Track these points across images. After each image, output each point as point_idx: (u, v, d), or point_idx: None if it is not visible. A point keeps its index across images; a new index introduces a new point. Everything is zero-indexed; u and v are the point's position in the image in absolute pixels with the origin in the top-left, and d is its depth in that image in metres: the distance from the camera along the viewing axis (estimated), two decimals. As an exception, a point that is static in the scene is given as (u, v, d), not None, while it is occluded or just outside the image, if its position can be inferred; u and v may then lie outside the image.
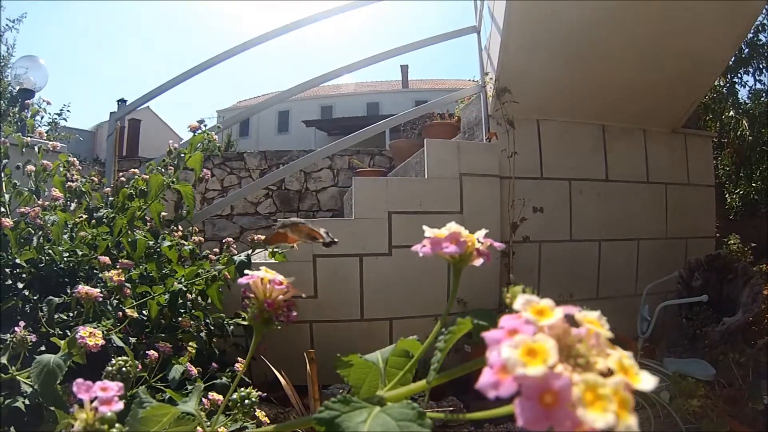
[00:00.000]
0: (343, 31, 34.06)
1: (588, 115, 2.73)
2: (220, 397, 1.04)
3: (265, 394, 0.94)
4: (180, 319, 1.37)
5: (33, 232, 1.30)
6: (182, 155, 1.51)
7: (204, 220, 4.27)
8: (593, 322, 0.23)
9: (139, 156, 7.21)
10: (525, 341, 0.21)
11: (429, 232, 0.35)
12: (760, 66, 4.81)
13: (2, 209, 1.32)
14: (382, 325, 2.31)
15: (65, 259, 1.30)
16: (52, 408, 0.76)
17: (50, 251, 1.28)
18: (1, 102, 6.53)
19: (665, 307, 2.24)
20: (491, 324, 0.30)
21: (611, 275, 2.71)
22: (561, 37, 2.40)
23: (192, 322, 1.38)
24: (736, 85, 4.87)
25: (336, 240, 0.70)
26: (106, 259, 1.26)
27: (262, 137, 18.98)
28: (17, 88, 3.84)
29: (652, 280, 2.48)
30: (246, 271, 0.42)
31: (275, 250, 1.54)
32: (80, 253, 1.33)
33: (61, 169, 1.51)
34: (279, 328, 0.42)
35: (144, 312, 1.34)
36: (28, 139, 1.50)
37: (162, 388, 1.12)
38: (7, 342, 0.81)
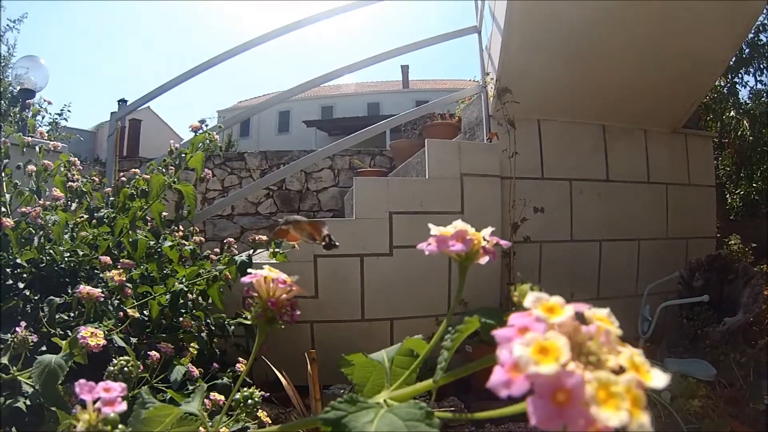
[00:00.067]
0: (344, 31, 34.13)
1: (588, 115, 2.73)
2: (222, 397, 1.03)
3: (267, 394, 0.93)
4: (181, 319, 1.37)
5: (34, 232, 1.30)
6: (183, 155, 1.51)
7: (205, 221, 4.27)
8: (603, 319, 0.23)
9: (139, 156, 7.22)
10: (537, 339, 0.21)
11: (435, 230, 0.35)
12: (761, 66, 4.81)
13: (3, 209, 1.32)
14: (383, 326, 2.31)
15: (66, 259, 1.30)
16: (53, 408, 0.75)
17: (51, 251, 1.28)
18: (2, 102, 6.53)
19: (666, 307, 2.24)
20: (498, 323, 0.30)
21: (612, 275, 2.70)
22: (562, 37, 2.40)
23: (193, 323, 1.38)
24: (737, 85, 4.87)
25: (337, 243, 0.70)
26: (107, 259, 1.25)
27: (263, 137, 18.98)
28: (18, 88, 3.84)
29: (653, 281, 2.48)
30: (249, 270, 0.42)
31: (276, 250, 1.54)
32: (81, 253, 1.33)
33: (62, 169, 1.51)
34: (283, 327, 0.42)
35: (145, 312, 1.34)
36: (29, 139, 1.50)
37: (163, 388, 1.11)
38: (8, 342, 0.80)
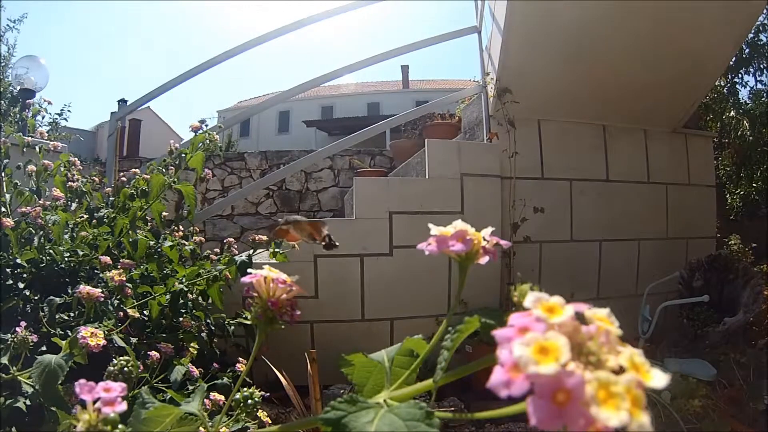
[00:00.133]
0: (344, 30, 34.12)
1: (589, 115, 2.73)
2: (222, 397, 1.03)
3: (267, 394, 0.93)
4: (181, 319, 1.37)
5: (34, 232, 1.30)
6: (183, 155, 1.51)
7: (205, 221, 4.27)
8: (603, 319, 0.23)
9: (139, 156, 7.22)
10: (537, 339, 0.21)
11: (435, 230, 0.35)
12: (761, 66, 4.81)
13: (3, 209, 1.32)
14: (383, 326, 2.31)
15: (66, 259, 1.30)
16: (53, 408, 0.75)
17: (51, 251, 1.28)
18: (2, 102, 6.54)
19: (666, 307, 2.24)
20: (498, 323, 0.30)
21: (612, 275, 2.70)
22: (562, 37, 2.40)
23: (193, 323, 1.38)
24: (737, 85, 4.87)
25: (337, 244, 0.70)
26: (107, 259, 1.25)
27: (263, 137, 18.97)
28: (18, 88, 3.84)
29: (653, 281, 2.48)
30: (249, 270, 0.42)
31: (276, 250, 1.54)
32: (81, 253, 1.33)
33: (62, 169, 1.51)
34: (283, 327, 0.42)
35: (145, 312, 1.34)
36: (29, 139, 1.50)
37: (163, 388, 1.11)
38: (8, 342, 0.80)
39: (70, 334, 0.86)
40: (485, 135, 2.61)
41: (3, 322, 1.02)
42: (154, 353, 1.08)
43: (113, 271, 1.14)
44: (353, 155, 4.96)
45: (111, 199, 1.64)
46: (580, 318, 0.23)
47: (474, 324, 0.31)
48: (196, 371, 1.19)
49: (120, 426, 0.34)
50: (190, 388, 1.16)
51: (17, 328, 0.81)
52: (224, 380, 1.31)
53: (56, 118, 8.42)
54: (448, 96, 3.08)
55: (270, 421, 0.96)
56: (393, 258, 2.30)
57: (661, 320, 2.28)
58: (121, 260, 1.31)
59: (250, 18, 40.00)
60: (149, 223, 1.61)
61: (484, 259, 0.35)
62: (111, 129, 2.53)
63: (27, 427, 0.84)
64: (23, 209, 1.32)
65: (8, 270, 1.22)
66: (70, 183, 1.51)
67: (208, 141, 1.49)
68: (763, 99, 4.83)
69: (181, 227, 1.80)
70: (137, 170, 1.65)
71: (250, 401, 0.70)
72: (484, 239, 0.35)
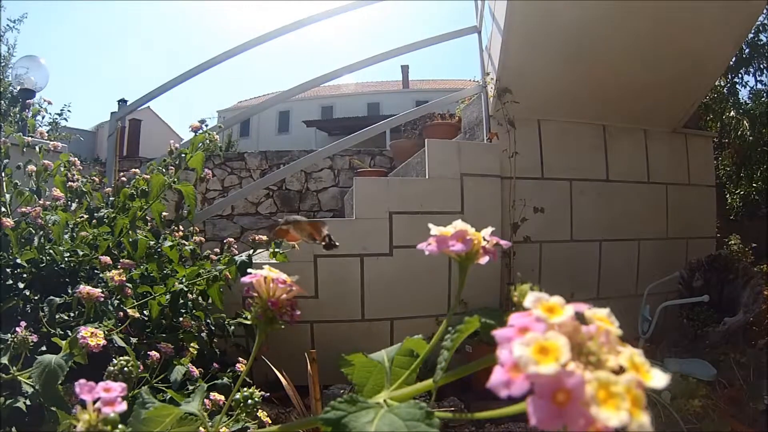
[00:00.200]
0: (344, 30, 34.13)
1: (589, 115, 2.73)
2: (222, 397, 1.03)
3: (267, 394, 0.93)
4: (181, 319, 1.37)
5: (34, 232, 1.30)
6: (183, 155, 1.51)
7: (204, 221, 4.27)
8: (603, 319, 0.23)
9: (139, 156, 7.22)
10: (537, 339, 0.21)
11: (435, 230, 0.35)
12: (761, 66, 4.81)
13: (3, 209, 1.32)
14: (383, 326, 2.31)
15: (66, 259, 1.30)
16: (53, 408, 0.75)
17: (51, 251, 1.28)
18: (2, 102, 6.54)
19: (666, 307, 2.24)
20: (498, 323, 0.30)
21: (612, 275, 2.70)
22: (562, 37, 2.40)
23: (193, 323, 1.38)
24: (737, 86, 4.87)
25: (337, 244, 0.70)
26: (107, 259, 1.25)
27: (263, 137, 18.97)
28: (18, 88, 3.84)
29: (653, 281, 2.48)
30: (249, 270, 0.42)
31: (276, 250, 1.54)
32: (81, 253, 1.33)
33: (62, 169, 1.51)
34: (283, 327, 0.42)
35: (145, 312, 1.34)
36: (29, 139, 1.50)
37: (163, 388, 1.11)
38: (8, 342, 0.80)
39: (70, 334, 0.86)
40: (485, 135, 2.61)
41: (3, 322, 1.02)
42: (154, 353, 1.08)
43: (113, 271, 1.14)
44: (353, 155, 4.96)
45: (111, 199, 1.64)
46: (580, 318, 0.23)
47: (474, 324, 0.31)
48: (196, 371, 1.19)
49: (120, 426, 0.34)
50: (190, 388, 1.16)
51: (17, 328, 0.81)
52: (224, 380, 1.31)
53: (56, 118, 8.43)
54: (448, 96, 3.08)
55: (270, 421, 0.96)
56: (393, 258, 2.30)
57: (661, 320, 2.28)
58: (121, 260, 1.31)
59: (250, 18, 40.02)
60: (149, 223, 1.61)
61: (484, 259, 0.35)
62: (111, 129, 2.53)
63: (27, 427, 0.84)
64: (23, 209, 1.32)
65: (8, 270, 1.22)
66: (70, 183, 1.51)
67: (208, 141, 1.49)
68: (763, 99, 4.83)
69: (181, 227, 1.80)
70: (137, 170, 1.65)
71: (250, 401, 0.70)
72: (484, 239, 0.35)
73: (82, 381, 0.34)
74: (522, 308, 0.29)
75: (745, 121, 4.53)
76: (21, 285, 1.22)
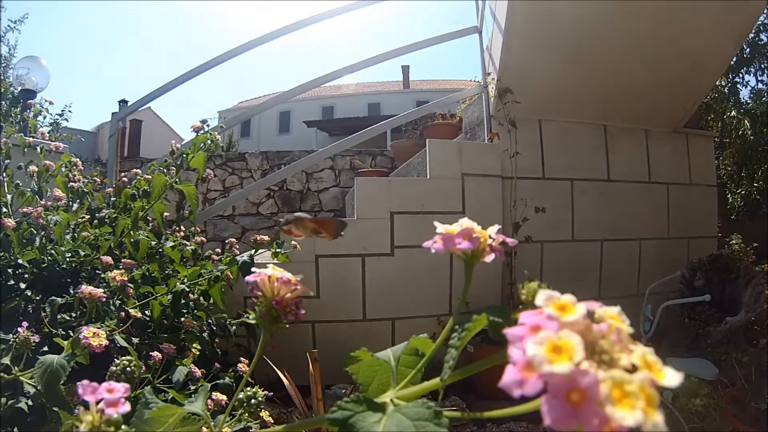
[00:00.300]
0: (345, 30, 34.16)
1: (589, 115, 2.73)
2: (224, 397, 1.03)
3: (270, 394, 0.93)
4: (183, 319, 1.37)
5: (35, 232, 1.30)
6: (185, 155, 1.51)
7: (206, 221, 4.27)
8: (614, 317, 0.23)
9: (140, 156, 7.22)
10: (550, 338, 0.20)
11: (441, 228, 0.34)
12: (762, 66, 4.81)
13: (5, 209, 1.32)
14: (385, 326, 2.31)
15: (68, 259, 1.30)
16: (55, 409, 0.75)
17: (53, 251, 1.27)
18: (3, 102, 6.55)
19: (668, 306, 2.24)
20: (506, 321, 0.30)
21: (613, 275, 2.70)
22: (562, 37, 2.40)
23: (195, 323, 1.38)
24: (738, 85, 4.87)
25: (342, 233, 0.70)
26: (108, 259, 1.25)
27: (264, 138, 18.98)
28: (19, 88, 3.85)
29: (655, 280, 2.47)
30: (253, 269, 0.42)
31: (278, 250, 1.54)
32: (83, 253, 1.33)
33: (64, 169, 1.51)
34: (287, 326, 0.41)
35: (147, 312, 1.33)
36: (31, 139, 1.50)
37: (165, 389, 1.11)
38: (10, 342, 0.80)
39: (72, 334, 0.85)
40: (486, 135, 2.61)
41: (5, 323, 1.02)
42: (156, 354, 1.07)
43: (115, 271, 1.14)
44: (354, 155, 4.96)
45: (112, 199, 1.64)
46: (590, 316, 0.23)
47: (482, 322, 0.31)
48: (198, 371, 1.18)
49: (123, 426, 0.34)
50: (192, 388, 1.16)
51: (19, 329, 0.81)
52: (226, 380, 1.31)
53: (57, 119, 8.43)
54: (448, 96, 3.08)
55: (272, 421, 0.96)
56: (394, 258, 2.30)
57: (663, 320, 2.28)
58: (122, 260, 1.31)
59: (250, 18, 40.07)
60: (150, 224, 1.61)
61: (490, 257, 0.35)
62: (112, 129, 2.53)
63: (29, 428, 0.84)
64: (25, 210, 1.32)
65: (10, 270, 1.22)
66: (71, 183, 1.51)
67: (209, 141, 1.49)
68: (764, 99, 4.83)
69: (182, 227, 1.80)
70: (138, 170, 1.65)
71: (253, 401, 0.70)
72: (490, 237, 0.35)
73: (85, 381, 0.34)
74: (529, 306, 0.29)
75: (746, 121, 4.53)
76: (23, 285, 1.21)
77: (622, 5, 2.30)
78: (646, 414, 0.19)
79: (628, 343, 0.22)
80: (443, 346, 0.35)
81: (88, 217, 1.45)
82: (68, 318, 1.08)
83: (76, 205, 1.52)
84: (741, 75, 4.88)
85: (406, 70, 19.66)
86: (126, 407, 0.34)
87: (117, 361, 0.70)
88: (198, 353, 1.26)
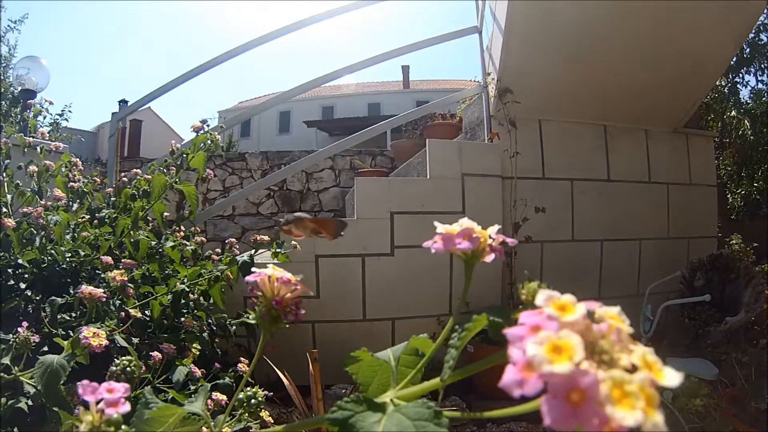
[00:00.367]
0: (345, 30, 34.17)
1: (589, 115, 2.73)
2: (224, 397, 1.03)
3: (270, 394, 0.93)
4: (183, 319, 1.36)
5: (35, 232, 1.30)
6: (185, 155, 1.51)
7: (206, 221, 4.27)
8: (614, 317, 0.23)
9: (140, 156, 7.22)
10: (550, 338, 0.20)
11: (441, 228, 0.34)
12: (762, 66, 4.81)
13: (5, 209, 1.32)
14: (385, 326, 2.31)
15: (68, 259, 1.30)
16: (55, 409, 0.75)
17: (53, 251, 1.27)
18: (3, 102, 6.55)
19: (667, 306, 2.24)
20: (506, 321, 0.30)
21: (613, 275, 2.70)
22: (562, 37, 2.40)
23: (195, 323, 1.38)
24: (738, 85, 4.87)
25: (342, 233, 0.70)
26: (108, 259, 1.25)
27: (264, 138, 18.98)
28: (19, 88, 3.85)
29: (654, 280, 2.47)
30: (253, 269, 0.42)
31: (278, 250, 1.54)
32: (83, 253, 1.33)
33: (64, 169, 1.51)
34: (287, 326, 0.41)
35: (147, 312, 1.33)
36: (31, 139, 1.50)
37: (164, 389, 1.11)
38: (10, 342, 0.80)
39: (71, 334, 0.85)
40: (486, 135, 2.61)
41: (5, 323, 1.02)
42: (156, 354, 1.07)
43: (115, 271, 1.14)
44: (354, 155, 4.96)
45: (112, 199, 1.64)
46: (590, 316, 0.23)
47: (482, 322, 0.31)
48: (198, 371, 1.18)
49: (123, 426, 0.34)
50: (192, 388, 1.16)
51: (19, 329, 0.81)
52: (226, 380, 1.31)
53: (57, 119, 8.43)
54: (448, 96, 3.08)
55: (272, 421, 0.96)
56: (394, 258, 2.30)
57: (663, 320, 2.28)
58: (122, 260, 1.31)
59: (250, 18, 40.06)
60: (150, 224, 1.61)
61: (490, 257, 0.35)
62: (112, 129, 2.53)
63: (29, 428, 0.84)
64: (25, 210, 1.32)
65: (10, 270, 1.22)
66: (71, 183, 1.50)
67: (210, 141, 1.49)
68: (764, 99, 4.83)
69: (182, 227, 1.80)
70: (138, 170, 1.65)
71: (253, 401, 0.70)
72: (490, 237, 0.35)
73: (85, 382, 0.34)
74: (529, 306, 0.29)
75: (746, 121, 4.53)
76: (23, 285, 1.21)
77: (622, 5, 2.30)
78: (646, 414, 0.19)
79: (628, 343, 0.22)
80: (443, 346, 0.35)
81: (88, 217, 1.45)
82: (68, 318, 1.08)
83: (76, 205, 1.52)
84: (741, 75, 4.88)
85: (406, 70, 19.66)
86: (126, 407, 0.34)
87: (117, 361, 0.70)
88: (198, 353, 1.26)
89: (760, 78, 4.91)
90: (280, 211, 4.86)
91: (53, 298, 1.07)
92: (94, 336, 0.76)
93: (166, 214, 1.56)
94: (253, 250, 1.53)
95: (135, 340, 1.18)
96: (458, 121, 3.25)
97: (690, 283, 2.47)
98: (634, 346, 0.22)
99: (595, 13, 2.32)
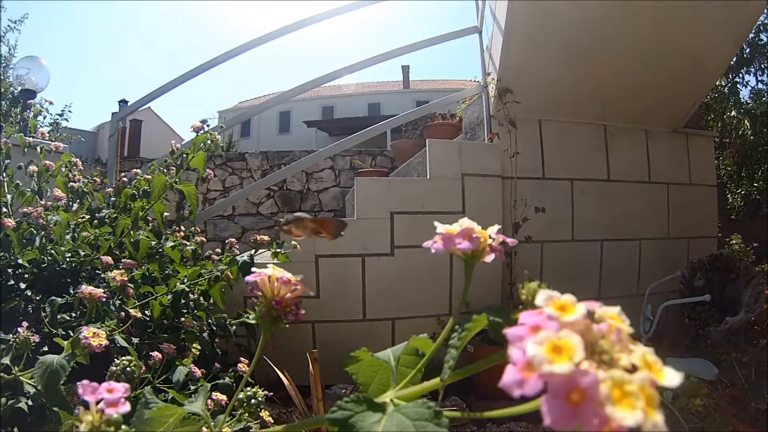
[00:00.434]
0: (345, 30, 34.17)
1: (589, 115, 2.73)
2: (224, 397, 1.03)
3: (271, 394, 0.93)
4: (183, 319, 1.36)
5: (35, 232, 1.30)
6: (185, 155, 1.51)
7: (206, 221, 4.27)
8: (614, 317, 0.23)
9: (140, 156, 7.22)
10: (550, 338, 0.20)
11: (441, 228, 0.34)
12: (762, 66, 4.81)
13: (5, 209, 1.32)
14: (385, 326, 2.31)
15: (68, 259, 1.30)
16: (55, 409, 0.75)
17: (53, 251, 1.27)
18: (3, 102, 6.55)
19: (667, 306, 2.24)
20: (506, 321, 0.30)
21: (613, 275, 2.70)
22: (562, 37, 2.40)
23: (195, 323, 1.38)
24: (738, 85, 4.87)
25: (342, 233, 0.70)
26: (108, 259, 1.25)
27: (264, 138, 18.98)
28: (19, 88, 3.85)
29: (654, 280, 2.47)
30: (253, 269, 0.42)
31: (278, 250, 1.54)
32: (83, 253, 1.33)
33: (64, 169, 1.51)
34: (287, 326, 0.41)
35: (147, 312, 1.33)
36: (31, 139, 1.50)
37: (164, 389, 1.11)
38: (10, 342, 0.80)
39: (71, 334, 0.85)
40: (486, 135, 2.61)
41: (5, 323, 1.02)
42: (156, 354, 1.07)
43: (115, 271, 1.14)
44: (354, 155, 4.96)
45: (112, 199, 1.64)
46: (590, 316, 0.23)
47: (482, 322, 0.31)
48: (198, 371, 1.18)
49: (123, 426, 0.34)
50: (192, 388, 1.16)
51: (19, 329, 0.81)
52: (226, 380, 1.31)
53: (57, 119, 8.43)
54: (448, 96, 3.08)
55: (272, 421, 0.96)
56: (394, 258, 2.30)
57: (663, 320, 2.28)
58: (122, 260, 1.31)
59: (250, 18, 40.06)
60: (150, 224, 1.61)
61: (490, 257, 0.35)
62: (112, 129, 2.53)
63: (29, 428, 0.84)
64: (25, 210, 1.32)
65: (10, 270, 1.22)
66: (71, 183, 1.50)
67: (209, 141, 1.49)
68: (764, 99, 4.83)
69: (182, 227, 1.80)
70: (138, 170, 1.65)
71: (253, 401, 0.70)
72: (490, 237, 0.35)
73: (85, 382, 0.34)
74: (529, 306, 0.29)
75: (746, 121, 4.53)
76: (23, 285, 1.21)
77: (622, 5, 2.30)
78: (646, 414, 0.19)
79: (628, 343, 0.22)
80: (443, 346, 0.35)
81: (88, 217, 1.45)
82: (68, 318, 1.08)
83: (76, 205, 1.52)
84: (741, 75, 4.88)
85: (406, 70, 19.66)
86: (126, 407, 0.34)
87: (117, 361, 0.70)
88: (198, 353, 1.26)
89: (760, 78, 4.91)
90: (280, 211, 4.86)
91: (53, 298, 1.07)
92: (94, 336, 0.76)
93: (166, 214, 1.56)
94: (253, 250, 1.53)
95: (135, 340, 1.18)
96: (458, 121, 3.25)
97: (690, 283, 2.47)
98: (634, 346, 0.22)
99: (595, 13, 2.32)
